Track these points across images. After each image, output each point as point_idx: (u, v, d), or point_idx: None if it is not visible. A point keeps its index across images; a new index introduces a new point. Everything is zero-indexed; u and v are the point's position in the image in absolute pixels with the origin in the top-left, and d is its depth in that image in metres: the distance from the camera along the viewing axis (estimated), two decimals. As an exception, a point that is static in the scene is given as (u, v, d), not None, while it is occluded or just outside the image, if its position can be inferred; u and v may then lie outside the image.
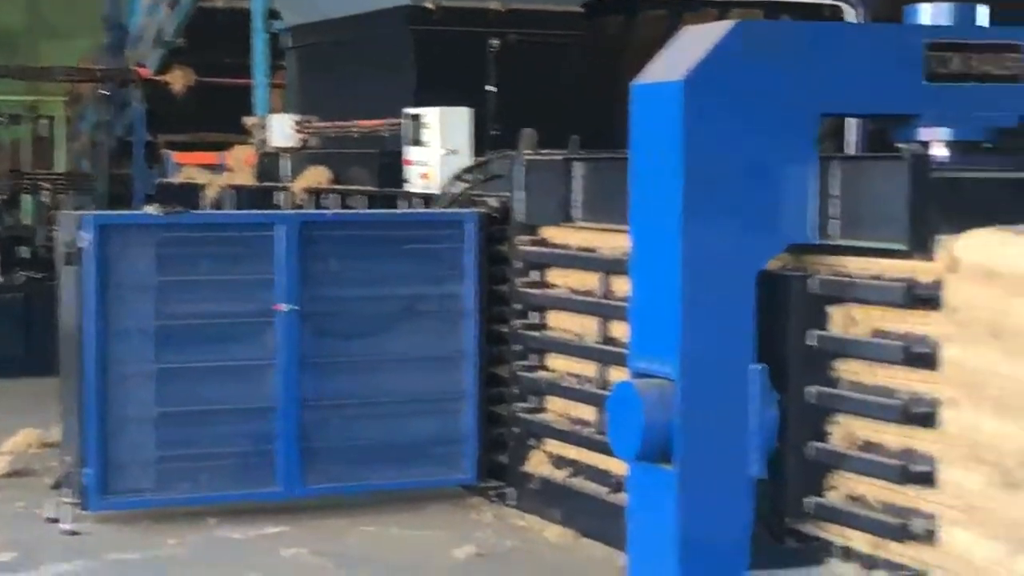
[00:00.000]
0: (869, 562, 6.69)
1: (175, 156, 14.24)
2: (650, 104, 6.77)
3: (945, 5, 7.46)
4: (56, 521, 8.44)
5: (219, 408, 8.60)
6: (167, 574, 7.69)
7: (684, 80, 6.52)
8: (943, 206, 6.46)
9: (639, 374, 6.81)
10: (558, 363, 8.87)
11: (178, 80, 14.74)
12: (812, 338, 6.92)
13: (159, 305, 8.46)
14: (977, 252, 6.21)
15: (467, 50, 10.75)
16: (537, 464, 8.89)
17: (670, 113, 6.59)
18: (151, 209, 10.08)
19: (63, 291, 8.75)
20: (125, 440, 8.41)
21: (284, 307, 8.63)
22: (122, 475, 8.44)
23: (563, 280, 8.80)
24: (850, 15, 10.74)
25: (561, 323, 8.86)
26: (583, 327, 8.60)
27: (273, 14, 13.13)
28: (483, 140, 10.15)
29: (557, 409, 8.83)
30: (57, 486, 8.66)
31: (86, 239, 8.29)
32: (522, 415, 9.04)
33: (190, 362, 8.54)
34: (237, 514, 8.56)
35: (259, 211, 11.09)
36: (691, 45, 6.76)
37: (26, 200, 15.31)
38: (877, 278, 6.67)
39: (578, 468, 8.55)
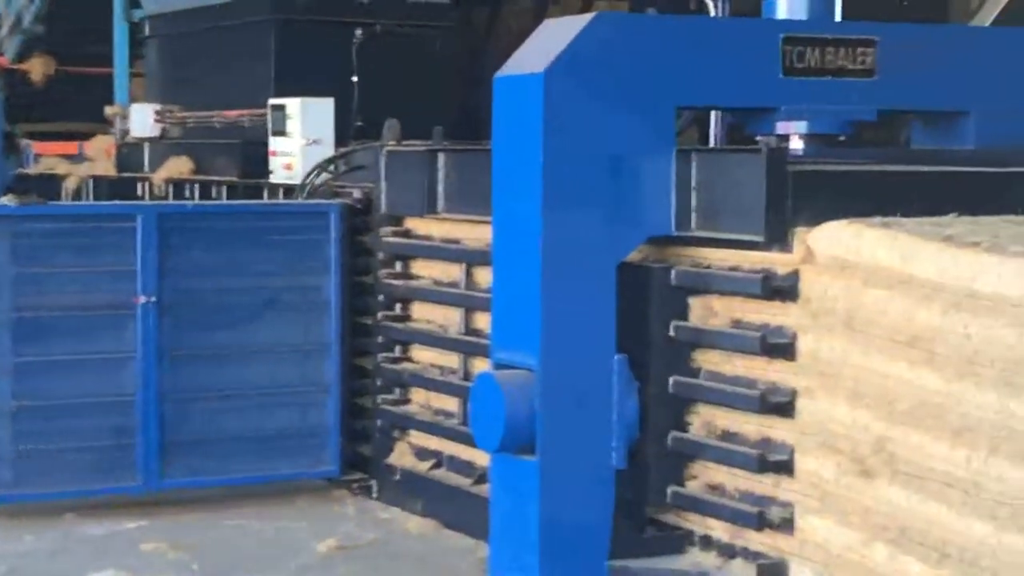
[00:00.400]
0: (728, 551, 6.76)
1: (34, 146, 14.10)
2: (512, 96, 6.81)
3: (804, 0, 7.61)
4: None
5: (77, 402, 8.49)
6: (24, 570, 7.55)
7: (544, 72, 6.57)
8: (799, 198, 6.52)
9: (501, 365, 6.84)
10: (422, 355, 8.91)
11: (38, 68, 14.58)
12: (672, 329, 6.95)
13: (16, 297, 8.34)
14: (831, 244, 6.31)
15: (331, 40, 10.70)
16: (400, 456, 8.91)
17: (531, 105, 6.64)
18: (6, 200, 9.97)
19: None
20: None
21: (143, 299, 8.54)
22: None
23: (427, 271, 8.83)
24: (713, 7, 10.80)
25: (425, 314, 8.90)
26: (447, 318, 8.64)
27: (134, 2, 12.99)
28: (347, 131, 10.16)
29: (421, 400, 8.86)
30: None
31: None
32: (385, 407, 9.04)
33: (48, 355, 8.43)
34: (96, 509, 8.47)
35: (119, 202, 10.91)
36: (552, 37, 6.80)
37: None
38: (735, 269, 6.74)
39: (441, 460, 8.58)
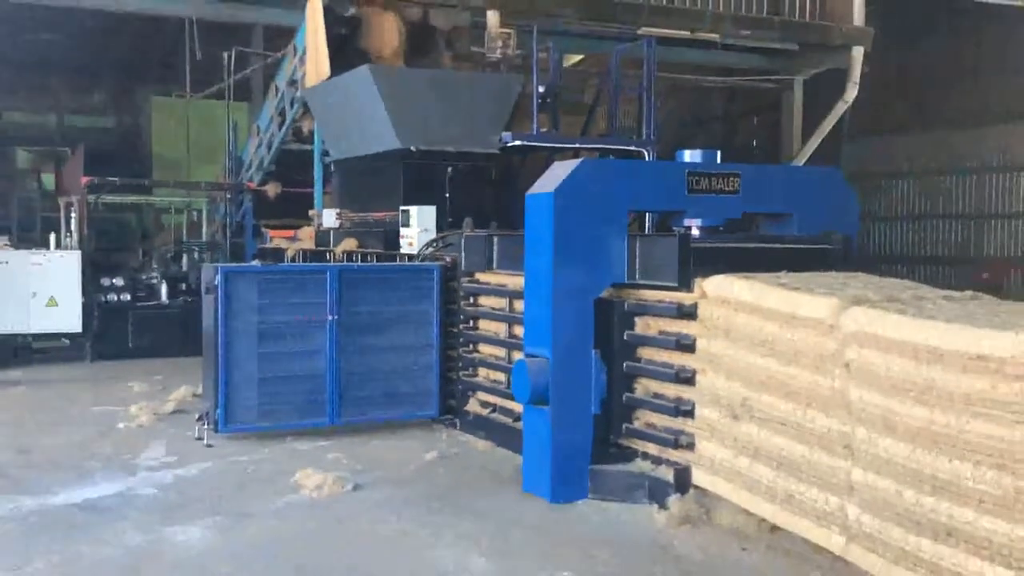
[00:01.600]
0: (657, 461, 6.69)
1: (270, 232, 14.11)
2: (536, 204, 6.77)
3: (698, 151, 7.54)
4: (200, 439, 8.28)
5: (294, 375, 8.37)
6: (261, 467, 7.54)
7: (554, 192, 6.58)
8: (697, 262, 6.48)
9: (529, 355, 6.80)
10: (484, 349, 8.77)
11: (271, 189, 14.59)
12: (625, 335, 6.89)
13: (260, 316, 8.25)
14: (716, 288, 6.28)
15: (434, 174, 10.56)
16: (473, 405, 8.77)
17: (546, 210, 6.62)
18: (255, 262, 10.00)
19: (204, 309, 8.52)
20: (239, 392, 8.20)
21: (330, 317, 8.44)
22: (237, 412, 8.22)
23: (487, 302, 8.69)
24: (647, 155, 10.73)
25: (486, 327, 8.74)
26: (498, 329, 8.54)
27: (325, 153, 13.01)
28: (443, 223, 9.97)
29: (484, 374, 8.73)
30: (200, 419, 8.48)
31: (218, 279, 8.16)
32: (464, 378, 8.90)
33: (277, 348, 8.29)
34: (303, 435, 8.43)
35: (316, 263, 10.89)
36: (558, 172, 6.77)
37: (184, 257, 15.11)
38: (661, 302, 6.69)
39: (495, 408, 8.45)
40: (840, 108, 15.14)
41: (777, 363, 5.72)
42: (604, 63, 12.75)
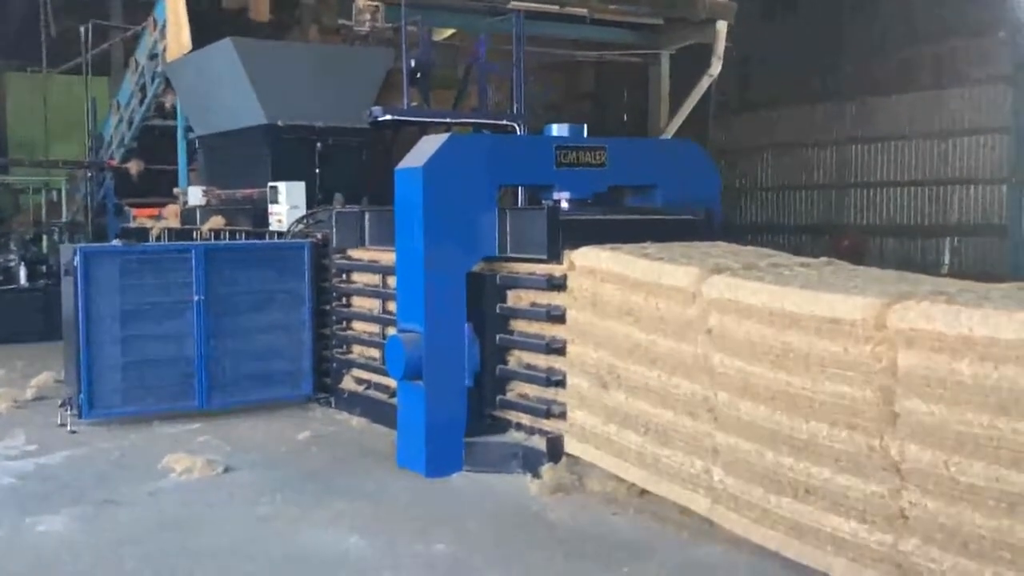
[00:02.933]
0: (531, 431, 6.77)
1: (133, 211, 13.72)
2: (406, 179, 6.75)
3: (566, 125, 7.58)
4: (63, 426, 8.04)
5: (159, 358, 8.19)
6: (128, 453, 7.36)
7: (423, 166, 6.57)
8: (565, 234, 6.56)
9: (402, 330, 6.80)
10: (358, 326, 8.74)
11: (134, 167, 14.17)
12: (498, 308, 6.95)
13: (122, 297, 8.02)
14: (584, 259, 6.36)
15: (302, 149, 10.41)
16: (347, 383, 8.74)
17: (416, 184, 6.61)
18: (117, 242, 9.71)
19: (64, 291, 8.26)
20: (103, 377, 7.99)
21: (196, 298, 8.27)
22: (102, 397, 8.03)
23: (360, 279, 8.67)
24: (518, 129, 10.76)
25: (359, 303, 8.72)
26: (372, 305, 8.52)
27: (189, 129, 12.69)
28: (313, 200, 9.85)
29: (358, 351, 8.70)
30: (63, 405, 8.22)
31: (76, 260, 7.90)
32: (338, 355, 8.86)
33: (141, 331, 8.10)
34: (172, 419, 8.25)
35: (181, 243, 10.59)
36: (427, 146, 6.77)
37: (43, 239, 14.57)
38: (532, 274, 6.76)
39: (370, 384, 8.42)
40: (705, 82, 15.40)
41: (642, 331, 5.83)
42: (475, 38, 12.72)
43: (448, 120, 10.75)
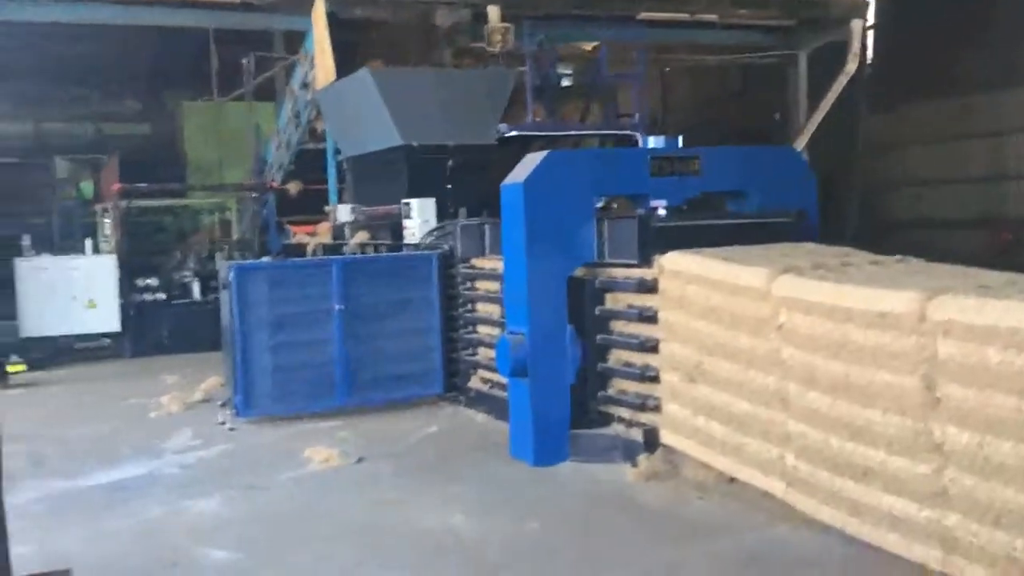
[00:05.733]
0: (630, 423, 7.22)
1: (292, 228, 14.65)
2: (509, 194, 7.29)
3: (661, 138, 8.05)
4: (223, 423, 8.97)
5: (304, 363, 8.94)
6: (276, 446, 8.19)
7: (523, 182, 7.12)
8: (658, 240, 6.99)
9: (510, 332, 7.32)
10: (482, 329, 9.28)
11: (292, 187, 15.18)
12: (597, 311, 7.43)
13: (271, 308, 8.83)
14: (671, 263, 6.81)
15: (435, 167, 11.00)
16: (474, 383, 9.31)
17: (518, 199, 7.16)
18: (266, 259, 10.68)
19: (222, 304, 9.17)
20: (256, 380, 8.83)
21: (337, 307, 9.01)
22: (256, 399, 8.87)
23: (482, 286, 9.21)
24: (639, 139, 11.15)
25: (483, 309, 9.27)
26: (493, 310, 9.03)
27: (337, 151, 13.55)
28: (443, 214, 10.43)
29: (482, 353, 9.20)
30: (223, 405, 9.18)
31: (231, 276, 8.79)
32: (465, 357, 9.42)
33: (290, 338, 8.89)
34: (314, 416, 9.04)
35: (322, 258, 11.38)
36: (529, 163, 7.30)
37: (216, 256, 15.80)
38: (627, 278, 7.19)
39: (494, 384, 8.93)
40: (842, 80, 15.50)
41: (723, 329, 6.30)
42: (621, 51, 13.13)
43: (572, 132, 11.33)
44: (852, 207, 19.17)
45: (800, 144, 15.50)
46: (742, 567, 5.24)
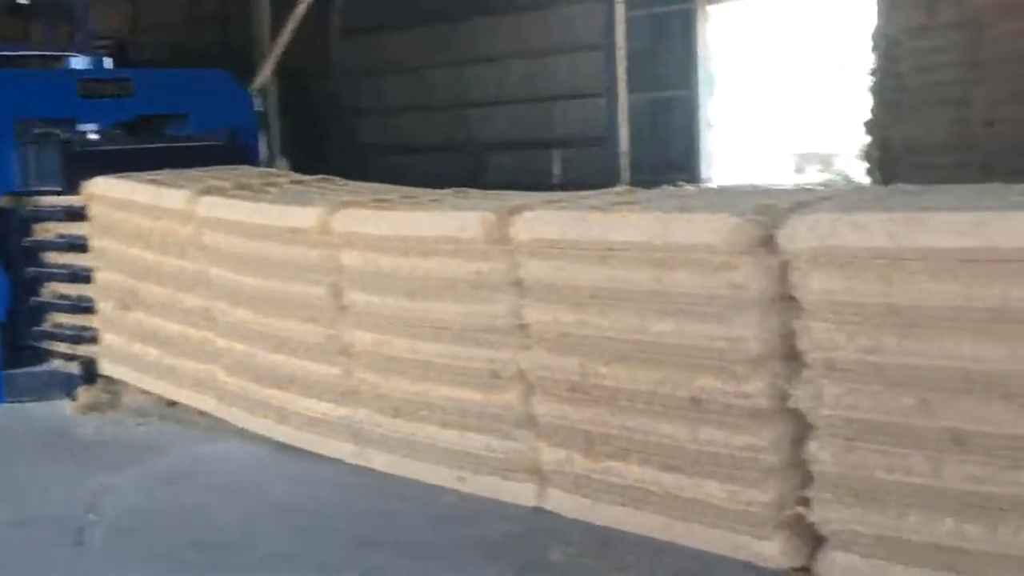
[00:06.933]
0: (70, 358, 7.02)
1: None
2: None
3: (89, 57, 7.80)
4: None
5: None
6: None
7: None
8: (86, 166, 6.75)
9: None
10: None
11: None
12: (26, 242, 7.11)
13: None
14: (98, 189, 6.64)
15: None
16: None
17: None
18: None
19: None
20: None
21: None
22: None
23: None
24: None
25: None
26: None
27: None
28: None
29: None
30: None
31: None
32: None
33: None
34: None
35: None
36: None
37: None
38: (54, 206, 6.96)
39: None
40: (302, 8, 15.74)
41: (152, 253, 6.30)
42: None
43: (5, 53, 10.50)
44: (336, 132, 19.79)
45: (267, 67, 15.56)
46: (170, 483, 5.38)
